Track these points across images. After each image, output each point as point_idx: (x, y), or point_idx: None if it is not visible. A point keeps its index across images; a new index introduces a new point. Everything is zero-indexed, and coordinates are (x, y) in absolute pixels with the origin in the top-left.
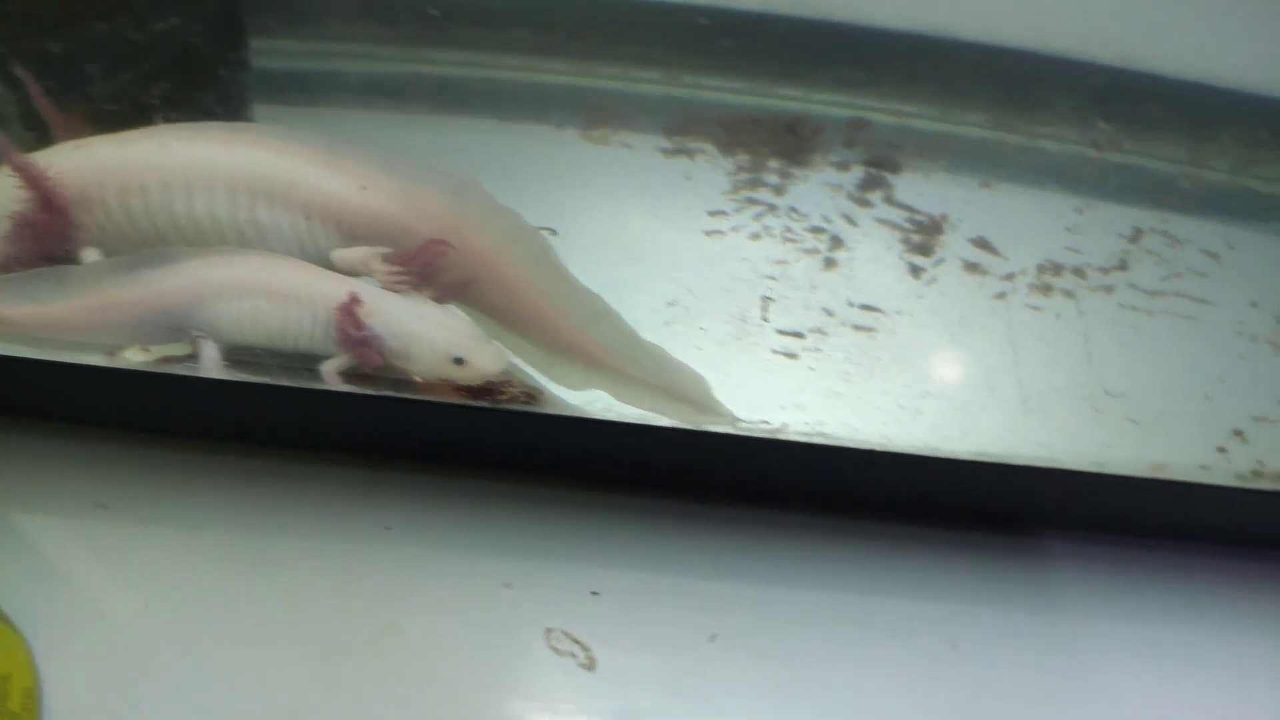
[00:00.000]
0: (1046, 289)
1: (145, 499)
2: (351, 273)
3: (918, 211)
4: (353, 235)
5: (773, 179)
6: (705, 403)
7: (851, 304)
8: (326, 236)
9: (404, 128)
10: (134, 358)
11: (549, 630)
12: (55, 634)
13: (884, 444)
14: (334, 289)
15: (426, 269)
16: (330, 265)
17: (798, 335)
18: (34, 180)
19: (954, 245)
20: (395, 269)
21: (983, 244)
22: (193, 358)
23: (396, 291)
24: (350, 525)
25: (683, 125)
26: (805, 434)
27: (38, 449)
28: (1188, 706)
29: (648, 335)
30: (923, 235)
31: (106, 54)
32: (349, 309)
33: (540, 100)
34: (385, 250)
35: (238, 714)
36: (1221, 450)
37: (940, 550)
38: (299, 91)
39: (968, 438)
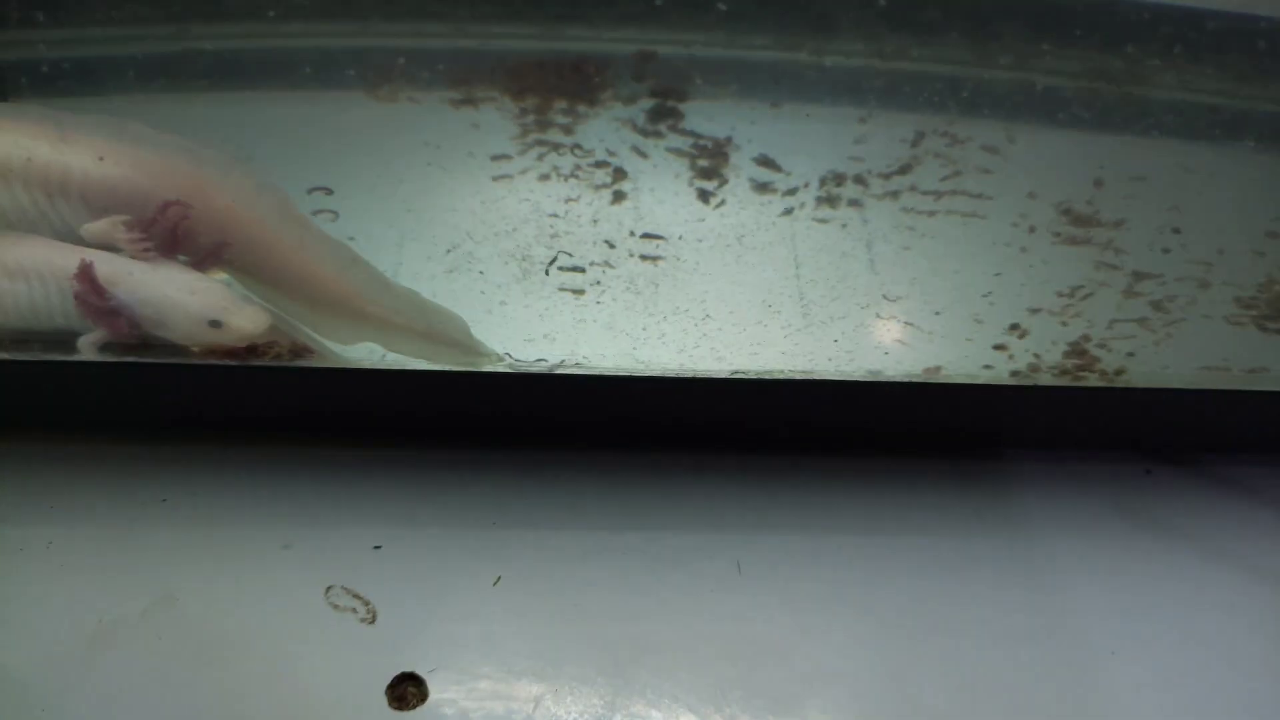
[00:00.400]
0: (833, 200)
1: None
2: (102, 245)
3: (703, 137)
4: (100, 208)
5: (561, 119)
6: (467, 343)
7: (633, 234)
8: (73, 212)
9: (181, 106)
10: None
11: (328, 588)
12: None
13: (642, 370)
14: (70, 260)
15: (173, 234)
16: (81, 241)
17: (578, 270)
18: None
19: (741, 167)
20: (138, 236)
21: (766, 162)
22: None
23: (144, 259)
24: (125, 501)
25: (469, 75)
26: (579, 368)
27: None
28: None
29: (429, 284)
30: (709, 159)
31: None
32: (85, 278)
33: (324, 65)
34: (125, 218)
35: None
36: (1000, 348)
37: (717, 478)
38: (68, 81)
39: (755, 358)
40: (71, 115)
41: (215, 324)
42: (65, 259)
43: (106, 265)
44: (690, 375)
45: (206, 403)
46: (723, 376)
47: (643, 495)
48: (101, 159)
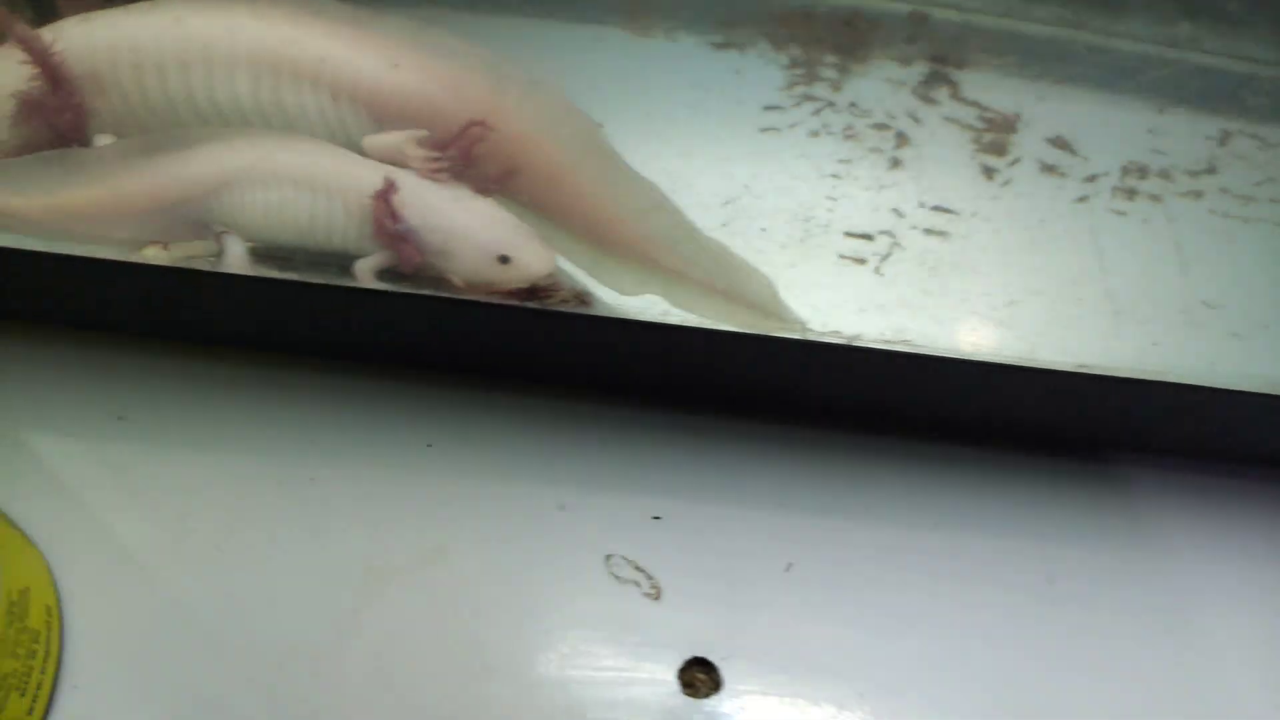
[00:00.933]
0: (1131, 193)
1: (166, 411)
2: (385, 160)
3: (988, 109)
4: (384, 118)
5: (830, 74)
6: (771, 307)
7: (923, 205)
8: (356, 120)
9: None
10: (153, 256)
11: (609, 556)
12: (75, 551)
13: (976, 353)
14: (368, 176)
15: (466, 155)
16: (361, 152)
17: (866, 237)
18: (40, 56)
19: (1029, 145)
20: (433, 154)
21: (1061, 143)
22: (217, 256)
23: (435, 181)
24: (388, 441)
25: (731, 17)
26: (886, 342)
27: (50, 357)
28: None
29: None
30: (995, 133)
31: None
32: (385, 198)
33: None
34: (421, 134)
35: (268, 640)
36: None
37: (1029, 479)
38: None
39: (1064, 349)
40: (371, 13)
41: (504, 259)
42: (362, 173)
43: (404, 185)
44: (1030, 364)
45: (476, 344)
46: (1066, 369)
47: (942, 491)
48: (397, 65)
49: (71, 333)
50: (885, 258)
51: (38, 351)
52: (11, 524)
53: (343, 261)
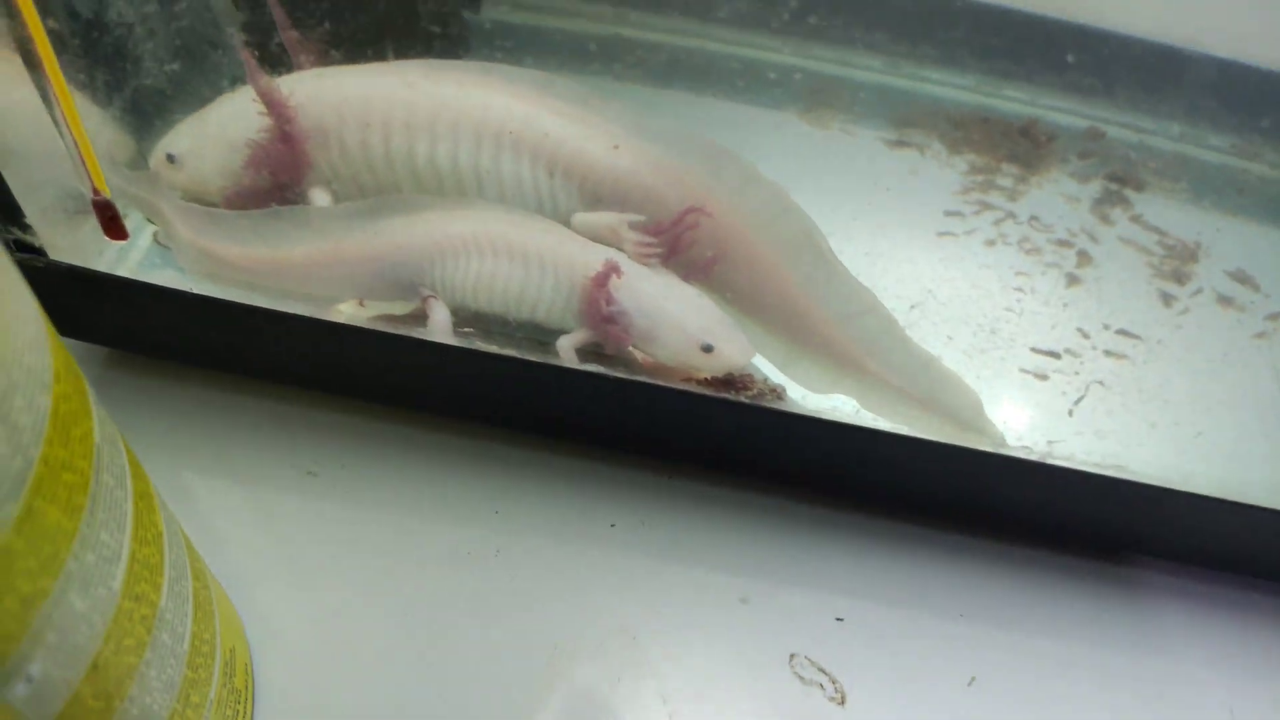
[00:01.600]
0: None
1: (357, 470)
2: (594, 238)
3: (1168, 235)
4: (596, 197)
5: (1006, 182)
6: (973, 421)
7: (1107, 326)
8: (569, 196)
9: (616, 95)
10: (349, 312)
11: (792, 655)
12: (266, 608)
13: (1176, 483)
14: (588, 256)
15: (678, 241)
16: (568, 226)
17: (1052, 354)
18: (276, 106)
19: (1209, 275)
20: (647, 239)
21: (1242, 278)
22: (414, 318)
23: (646, 265)
24: (573, 518)
25: (907, 117)
26: (1080, 462)
27: (249, 411)
28: None
29: None
30: (1175, 261)
31: None
32: (604, 280)
33: (757, 77)
34: (635, 218)
35: (450, 703)
36: None
37: (1218, 606)
38: (514, 41)
39: (1251, 483)
40: (595, 94)
41: (707, 348)
42: (582, 253)
43: (625, 268)
44: (1234, 499)
45: (664, 428)
46: (1247, 502)
47: (1129, 611)
48: (617, 147)
49: (269, 386)
50: (1069, 376)
51: (234, 402)
52: (217, 581)
53: (542, 336)
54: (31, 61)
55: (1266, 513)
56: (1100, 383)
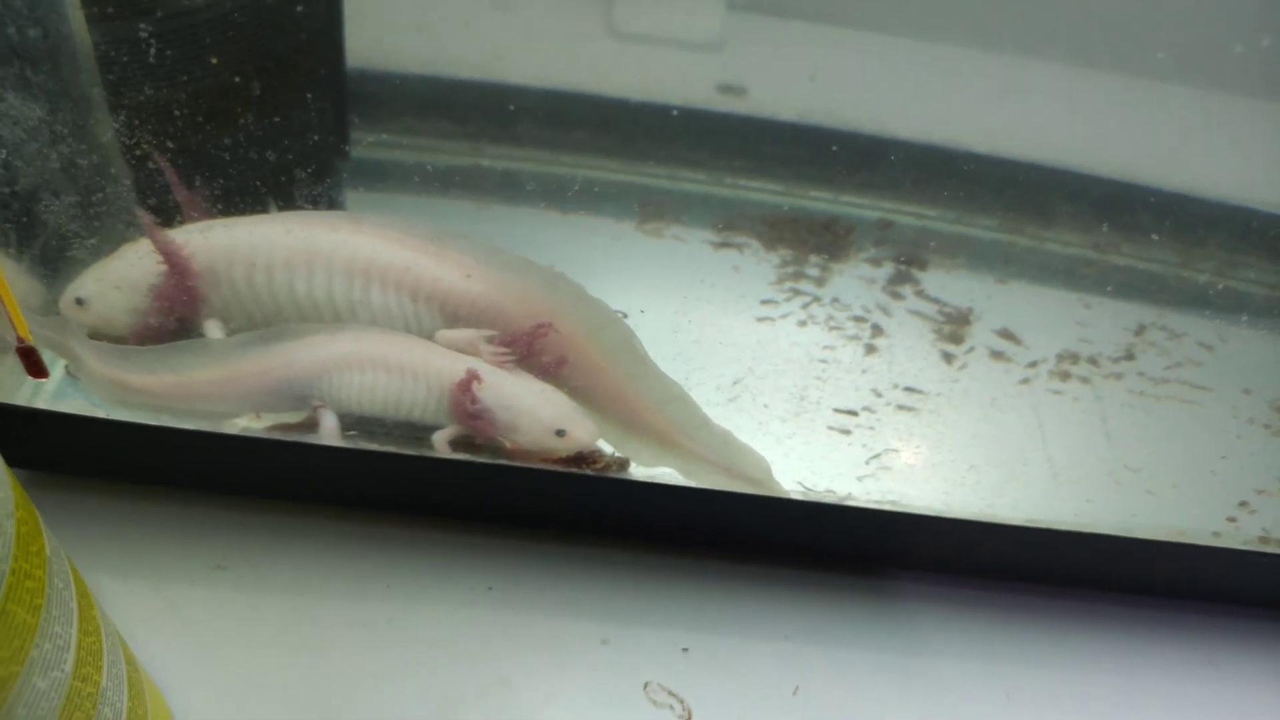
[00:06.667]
0: (1065, 375)
1: (260, 561)
2: (457, 350)
3: (946, 304)
4: (454, 317)
5: (814, 271)
6: (764, 481)
7: (896, 385)
8: (430, 318)
9: (475, 215)
10: (248, 425)
11: (646, 684)
12: (184, 688)
13: (947, 510)
14: (452, 365)
15: (528, 349)
16: (433, 343)
17: (851, 413)
18: (172, 255)
19: (980, 335)
20: (501, 350)
21: (1007, 335)
22: (306, 425)
23: (503, 368)
24: (455, 585)
25: (728, 221)
26: (875, 501)
27: (160, 515)
28: None
29: (716, 410)
30: (953, 325)
31: (234, 147)
32: (468, 384)
33: (599, 195)
34: (490, 332)
35: None
36: (1231, 520)
37: (979, 612)
38: (385, 179)
39: (1017, 506)
40: (449, 234)
41: (560, 433)
42: (445, 363)
43: (483, 374)
44: (987, 520)
45: (528, 501)
46: (1018, 524)
47: (922, 622)
48: (469, 275)
49: (176, 492)
50: (867, 430)
51: (146, 509)
52: (143, 667)
53: (417, 432)
54: None
55: (1020, 529)
56: (893, 431)
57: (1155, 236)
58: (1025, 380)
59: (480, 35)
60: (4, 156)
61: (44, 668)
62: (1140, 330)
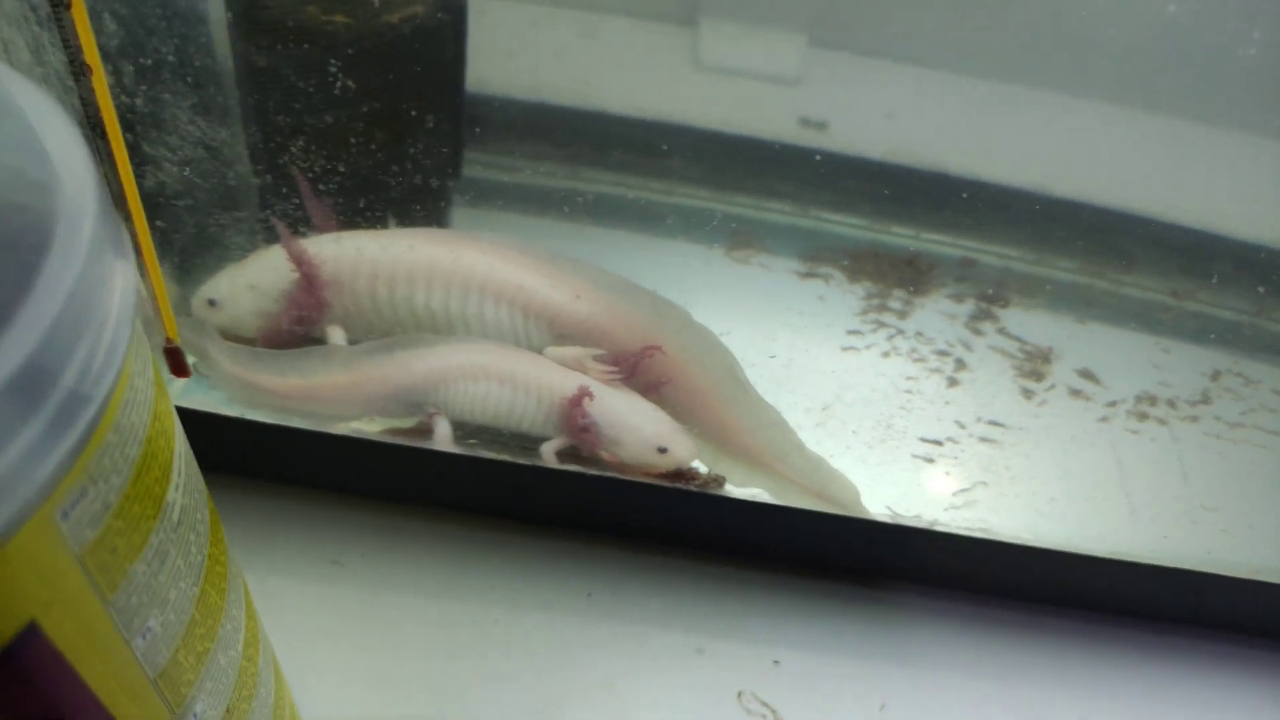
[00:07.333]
0: (1143, 415)
1: (376, 559)
2: (564, 365)
3: (1027, 342)
4: (562, 335)
5: (897, 305)
6: (853, 506)
7: (980, 419)
8: (540, 334)
9: (572, 237)
10: (362, 428)
11: (740, 693)
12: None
13: (1033, 540)
14: (563, 381)
15: (633, 369)
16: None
17: (935, 443)
18: (304, 263)
19: (1061, 374)
20: (609, 368)
21: (1087, 374)
22: (421, 431)
23: (609, 385)
24: (556, 590)
25: (813, 253)
26: (962, 529)
27: (282, 510)
28: None
29: (805, 435)
30: (1033, 363)
31: (365, 166)
32: (579, 399)
33: (690, 221)
34: (597, 351)
35: None
36: None
37: (1067, 636)
38: (492, 197)
39: (1101, 539)
40: (563, 257)
41: (662, 450)
42: (558, 378)
43: (594, 390)
44: (1071, 551)
45: (627, 513)
46: (1102, 556)
47: (1004, 646)
48: (578, 297)
49: (297, 489)
50: (951, 460)
51: (269, 504)
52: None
53: (525, 442)
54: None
55: (1103, 561)
56: (976, 462)
57: (1231, 285)
58: (1104, 419)
59: (570, 64)
60: (164, 171)
61: (225, 646)
62: (1216, 376)
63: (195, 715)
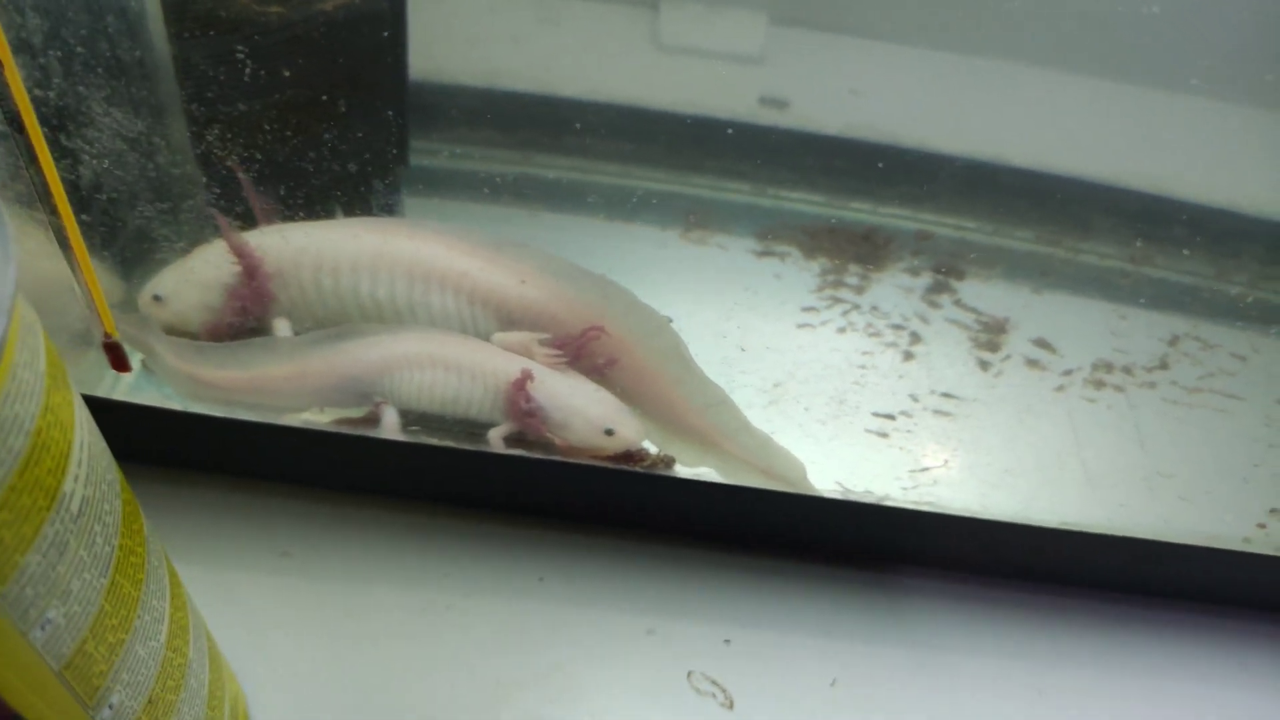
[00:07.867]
0: (1099, 384)
1: (325, 549)
2: (511, 351)
3: (983, 314)
4: (510, 320)
5: (853, 280)
6: (800, 483)
7: (933, 391)
8: (486, 321)
9: (527, 222)
10: (312, 418)
11: (690, 673)
12: (253, 667)
13: (986, 512)
14: (507, 366)
15: (579, 351)
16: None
17: (889, 417)
18: (246, 256)
19: (1017, 344)
20: (554, 352)
21: (1043, 344)
22: (369, 420)
23: (555, 369)
24: (508, 575)
25: (770, 231)
26: (912, 502)
27: (228, 502)
28: None
29: (757, 413)
30: (989, 334)
31: (306, 156)
32: (522, 384)
33: (647, 204)
34: (543, 335)
35: None
36: (1261, 526)
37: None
38: (441, 186)
39: (1052, 510)
40: (508, 242)
41: (609, 432)
42: (502, 364)
43: (536, 374)
44: (1022, 522)
45: (577, 496)
46: (1052, 527)
47: (954, 620)
48: (524, 281)
49: (244, 481)
50: (904, 434)
51: (215, 496)
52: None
53: (473, 429)
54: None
55: (1054, 532)
56: (930, 435)
57: (1185, 251)
58: (1060, 388)
59: (528, 49)
60: (104, 166)
61: (144, 637)
62: (1174, 340)
63: (111, 706)
